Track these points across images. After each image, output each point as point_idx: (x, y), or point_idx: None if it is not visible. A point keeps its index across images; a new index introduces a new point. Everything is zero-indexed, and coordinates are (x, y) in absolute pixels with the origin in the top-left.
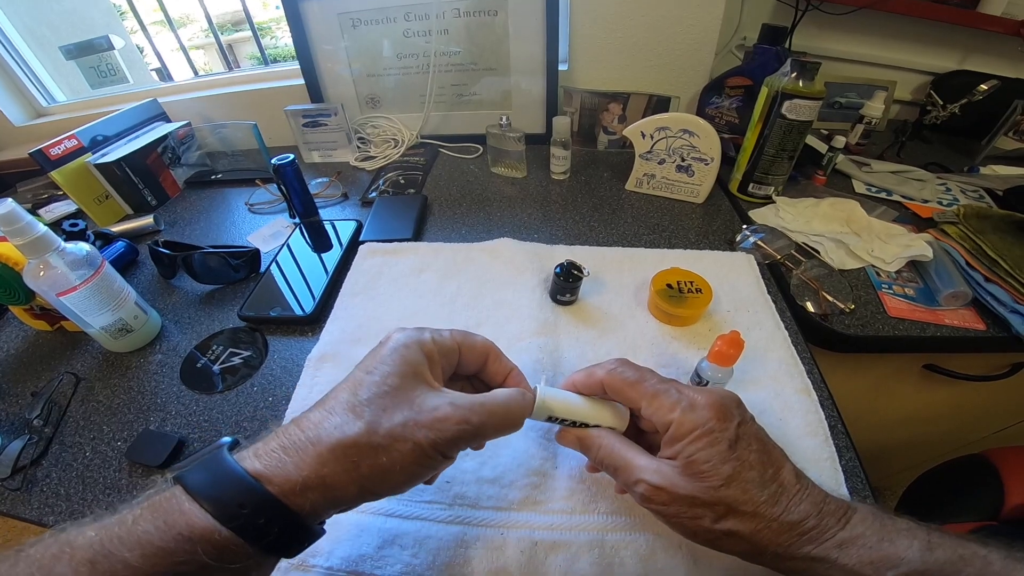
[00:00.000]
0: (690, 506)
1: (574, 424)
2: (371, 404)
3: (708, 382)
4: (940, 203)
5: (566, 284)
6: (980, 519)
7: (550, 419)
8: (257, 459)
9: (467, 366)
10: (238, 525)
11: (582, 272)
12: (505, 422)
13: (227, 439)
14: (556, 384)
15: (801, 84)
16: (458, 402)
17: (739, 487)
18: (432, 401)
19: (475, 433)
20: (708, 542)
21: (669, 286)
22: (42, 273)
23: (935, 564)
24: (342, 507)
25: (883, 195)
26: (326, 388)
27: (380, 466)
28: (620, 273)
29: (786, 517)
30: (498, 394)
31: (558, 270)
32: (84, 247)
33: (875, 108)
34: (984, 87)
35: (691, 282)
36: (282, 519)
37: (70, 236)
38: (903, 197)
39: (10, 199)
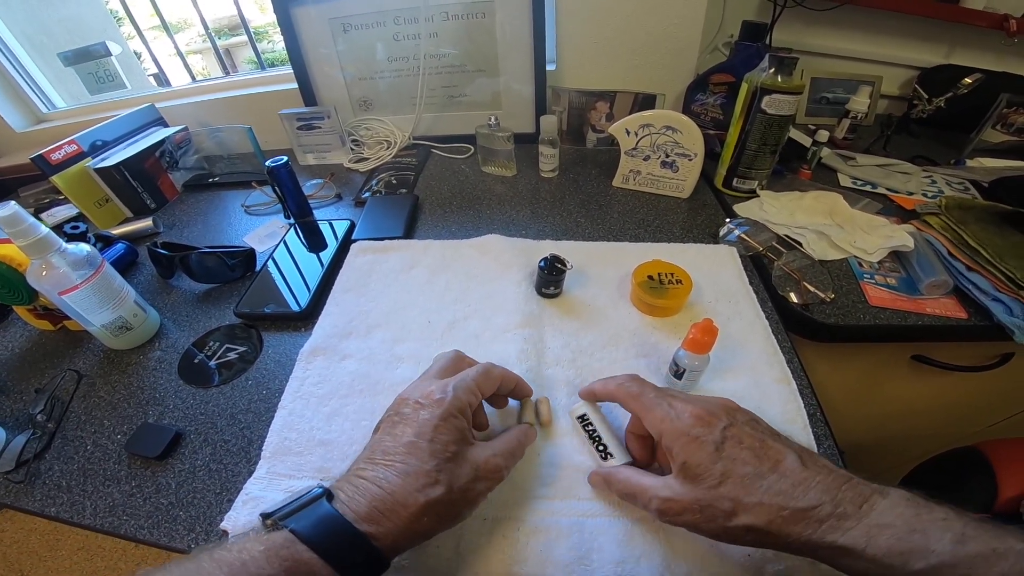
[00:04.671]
0: (700, 510)
1: (594, 432)
2: (441, 470)
3: (685, 370)
4: (925, 195)
5: (550, 277)
6: (973, 512)
7: (580, 419)
8: (358, 516)
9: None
10: (350, 574)
11: (565, 265)
12: (522, 452)
13: (318, 488)
14: (578, 385)
15: (779, 79)
16: (497, 452)
17: (736, 482)
18: (480, 456)
19: (509, 471)
20: (734, 541)
21: (650, 278)
22: (44, 273)
23: (966, 558)
24: (420, 543)
25: (868, 188)
26: (317, 381)
27: (457, 514)
28: (604, 267)
29: (795, 504)
30: (513, 435)
31: (542, 264)
32: (85, 248)
33: (860, 103)
34: (968, 80)
35: (671, 274)
36: (380, 567)
37: (71, 238)
38: (888, 190)
39: (13, 202)
